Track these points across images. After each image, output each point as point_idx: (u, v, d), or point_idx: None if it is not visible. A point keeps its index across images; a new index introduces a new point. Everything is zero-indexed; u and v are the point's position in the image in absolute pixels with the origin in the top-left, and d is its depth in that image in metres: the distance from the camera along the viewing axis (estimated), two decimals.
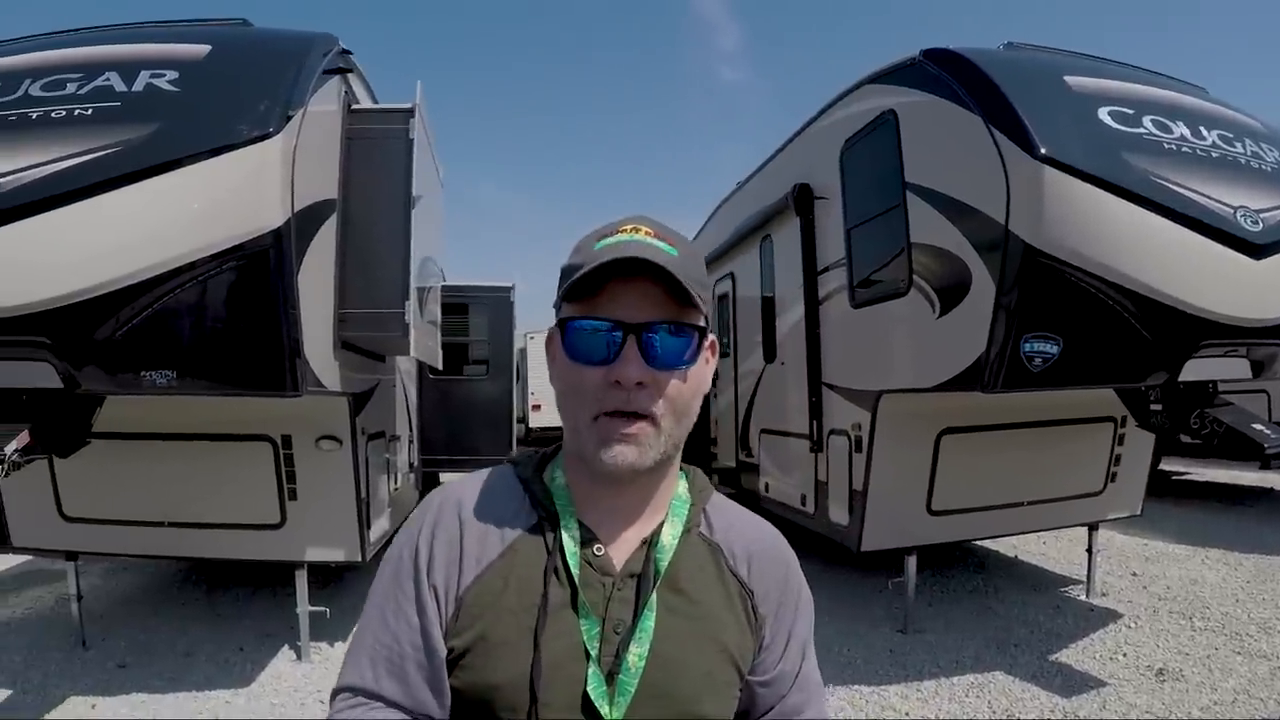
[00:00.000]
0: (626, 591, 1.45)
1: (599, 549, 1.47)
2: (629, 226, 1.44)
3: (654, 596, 1.44)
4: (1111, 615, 7.53)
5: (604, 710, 1.35)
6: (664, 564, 1.47)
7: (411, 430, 10.55)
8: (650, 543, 1.50)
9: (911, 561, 7.09)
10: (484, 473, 1.61)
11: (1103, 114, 5.57)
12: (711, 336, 1.50)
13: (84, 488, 6.60)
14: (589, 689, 1.36)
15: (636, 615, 1.42)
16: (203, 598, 8.61)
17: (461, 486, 1.58)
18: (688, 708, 1.41)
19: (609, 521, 1.50)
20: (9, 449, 4.81)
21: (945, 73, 5.92)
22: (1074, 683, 6.07)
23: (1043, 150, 5.10)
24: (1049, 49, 6.56)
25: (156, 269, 4.60)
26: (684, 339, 1.40)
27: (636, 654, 1.39)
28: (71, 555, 6.96)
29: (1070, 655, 6.61)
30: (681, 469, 1.61)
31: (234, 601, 8.35)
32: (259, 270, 4.82)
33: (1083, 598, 8.08)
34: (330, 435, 6.40)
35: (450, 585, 1.44)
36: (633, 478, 1.42)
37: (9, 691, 6.20)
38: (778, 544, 1.65)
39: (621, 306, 1.37)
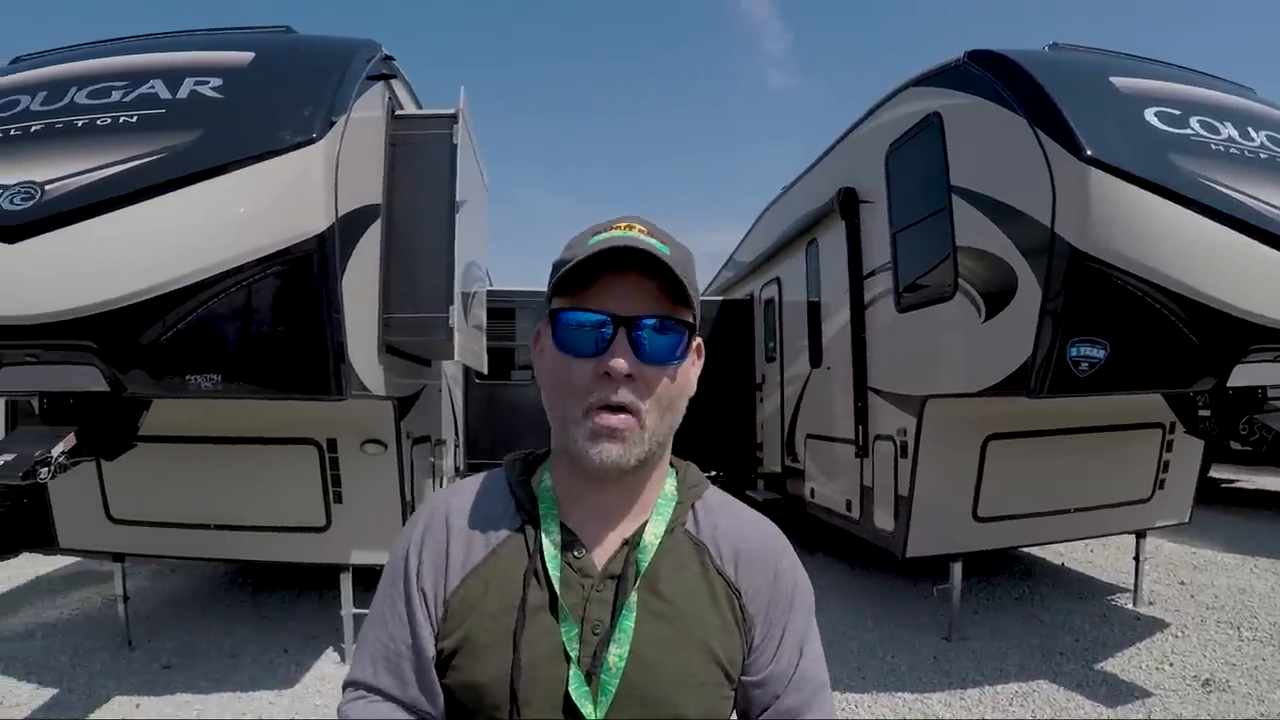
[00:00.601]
0: (605, 593, 1.46)
1: (580, 551, 1.49)
2: (623, 224, 1.46)
3: (633, 597, 1.46)
4: (1158, 624, 7.42)
5: (586, 711, 1.37)
6: (644, 564, 1.49)
7: (457, 434, 10.61)
8: (632, 543, 1.51)
9: (957, 568, 7.04)
10: (479, 477, 1.65)
11: (1149, 115, 5.51)
12: (698, 340, 1.53)
13: (131, 490, 6.66)
14: (570, 690, 1.39)
15: (614, 616, 1.44)
16: (248, 599, 8.69)
17: (453, 492, 1.63)
18: (668, 710, 1.42)
19: (592, 522, 1.52)
20: (55, 451, 4.86)
21: (989, 74, 5.87)
22: (1119, 692, 5.98)
23: (1088, 152, 5.04)
24: (1094, 49, 6.50)
25: (201, 274, 4.63)
26: (674, 336, 1.42)
27: (617, 655, 1.41)
28: (119, 557, 7.05)
29: (1116, 664, 6.52)
30: (672, 465, 1.63)
31: (279, 604, 8.41)
32: (303, 274, 4.85)
33: (1129, 606, 7.97)
34: (375, 439, 6.43)
35: (438, 589, 1.49)
36: (618, 476, 1.44)
37: (55, 690, 6.27)
38: (768, 540, 1.64)
39: (613, 299, 1.39)
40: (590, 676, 1.40)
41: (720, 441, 12.46)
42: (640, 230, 1.44)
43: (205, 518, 6.68)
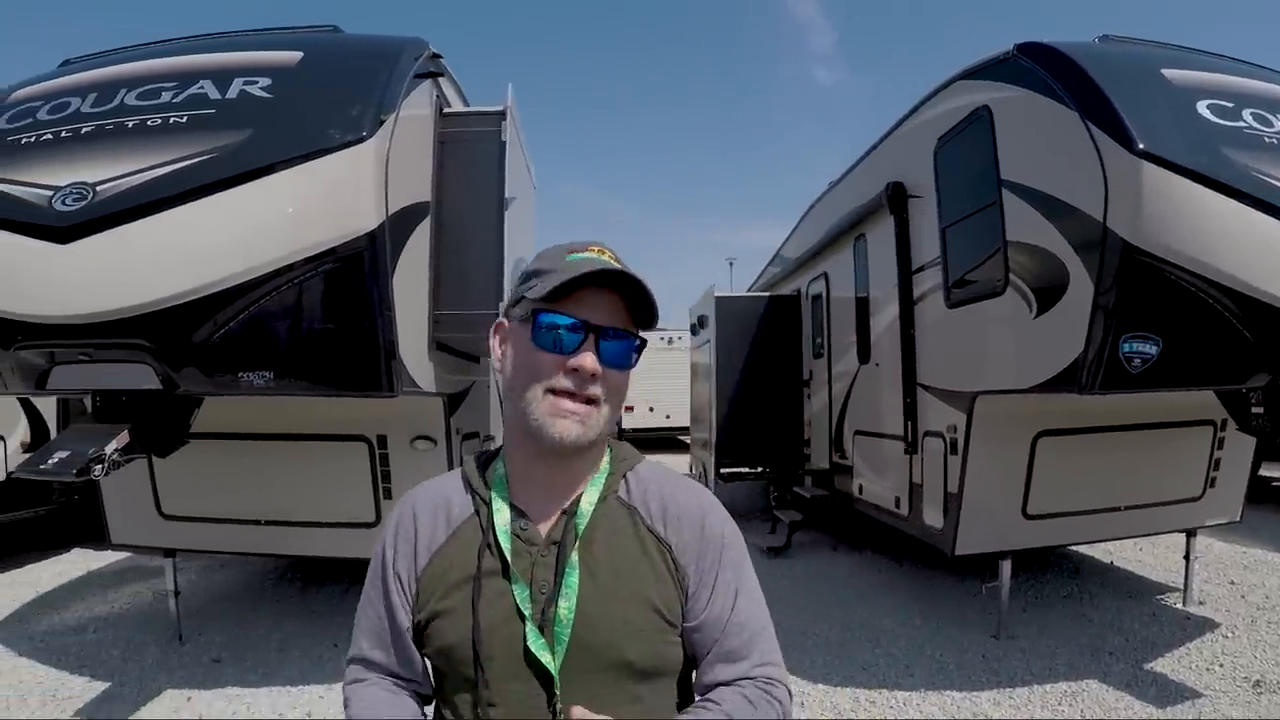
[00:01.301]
0: (549, 557, 1.67)
1: (525, 524, 1.71)
2: (595, 248, 1.71)
3: (575, 557, 1.67)
4: (1208, 624, 7.36)
5: (545, 659, 1.59)
6: (581, 528, 1.70)
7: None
8: (570, 512, 1.73)
9: (1006, 566, 7.01)
10: (446, 474, 1.91)
11: (1201, 107, 5.41)
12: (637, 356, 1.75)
13: (182, 487, 6.75)
14: (529, 643, 1.60)
15: (558, 576, 1.65)
16: (297, 594, 8.79)
17: (421, 489, 1.88)
18: (612, 654, 1.62)
19: (538, 499, 1.74)
20: (109, 448, 4.93)
21: (1040, 67, 5.80)
22: (1169, 693, 5.93)
23: (1141, 145, 4.96)
24: (1145, 41, 6.42)
25: (253, 272, 4.68)
26: (630, 345, 1.68)
27: (565, 608, 1.62)
28: (170, 552, 7.14)
29: (1166, 665, 6.46)
30: (608, 445, 1.85)
31: (328, 598, 8.50)
32: (355, 272, 4.89)
33: (1179, 606, 7.90)
34: (425, 435, 6.46)
35: (410, 571, 1.74)
36: (571, 453, 1.66)
37: (107, 684, 6.36)
38: (694, 498, 1.82)
39: (587, 309, 1.63)
40: (543, 629, 1.61)
41: (767, 438, 12.41)
42: (611, 256, 1.70)
43: (256, 513, 6.75)
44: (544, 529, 1.71)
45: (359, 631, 1.81)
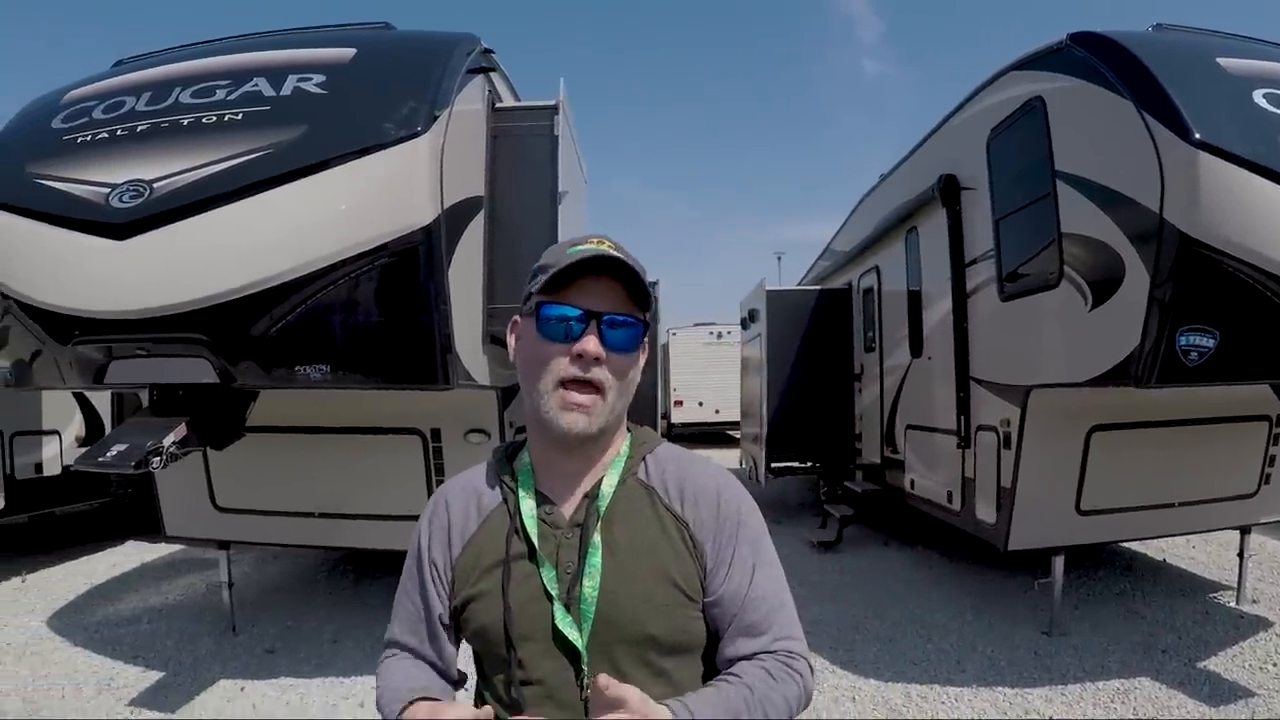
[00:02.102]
0: (573, 539, 1.73)
1: (549, 509, 1.78)
2: (595, 240, 1.75)
3: (597, 538, 1.72)
4: (1262, 623, 7.25)
5: (572, 637, 1.66)
6: (602, 510, 1.76)
7: None
8: (591, 495, 1.78)
9: (1059, 562, 6.94)
10: (477, 466, 1.97)
11: (1258, 96, 5.33)
12: (645, 340, 1.81)
13: (237, 479, 6.84)
14: (557, 622, 1.67)
15: (582, 556, 1.70)
16: (350, 587, 8.87)
17: (453, 482, 1.97)
18: (635, 629, 1.68)
19: (561, 484, 1.80)
20: (166, 441, 5.01)
21: (1094, 57, 5.74)
22: (1222, 692, 5.87)
23: (1197, 135, 4.90)
24: (1199, 30, 6.34)
25: (310, 266, 4.75)
26: (634, 330, 1.72)
27: (590, 586, 1.68)
28: (223, 544, 7.22)
29: (1219, 663, 6.39)
30: (629, 430, 1.91)
31: (381, 591, 8.53)
32: (410, 267, 4.93)
33: (1232, 604, 7.80)
34: (479, 428, 6.50)
35: (446, 559, 1.83)
36: (580, 442, 1.73)
37: (162, 673, 6.47)
38: (711, 477, 1.86)
39: (588, 297, 1.68)
40: (569, 608, 1.67)
41: (818, 432, 12.39)
42: (610, 246, 1.73)
43: (310, 506, 6.82)
44: (567, 512, 1.77)
45: (395, 617, 1.91)
